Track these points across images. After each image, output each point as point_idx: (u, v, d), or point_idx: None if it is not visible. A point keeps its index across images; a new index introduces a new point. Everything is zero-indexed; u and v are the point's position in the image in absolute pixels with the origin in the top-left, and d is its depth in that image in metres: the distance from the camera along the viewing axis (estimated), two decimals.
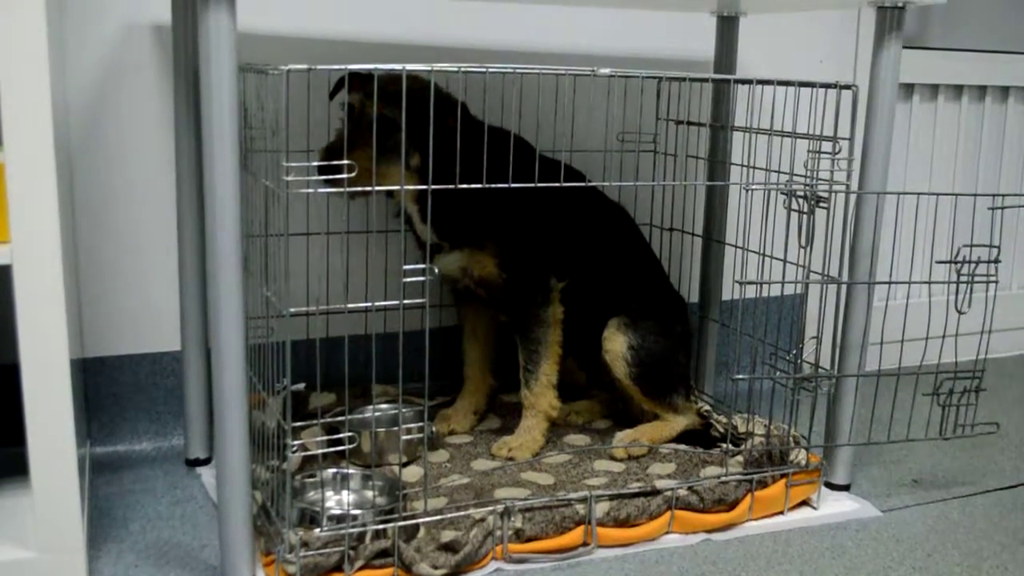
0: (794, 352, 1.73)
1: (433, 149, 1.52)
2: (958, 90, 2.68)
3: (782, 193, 1.67)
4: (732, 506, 1.68)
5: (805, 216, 1.64)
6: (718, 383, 2.22)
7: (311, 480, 1.60)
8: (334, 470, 1.64)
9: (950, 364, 1.72)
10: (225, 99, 1.28)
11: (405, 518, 1.49)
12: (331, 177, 1.44)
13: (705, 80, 1.96)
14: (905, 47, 1.73)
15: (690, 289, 2.14)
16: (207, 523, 1.63)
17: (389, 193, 1.76)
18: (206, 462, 1.86)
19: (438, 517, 1.52)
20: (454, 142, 1.57)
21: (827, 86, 1.67)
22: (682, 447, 1.83)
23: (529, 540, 1.54)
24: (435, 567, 1.44)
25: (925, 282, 1.74)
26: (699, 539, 1.64)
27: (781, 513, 1.73)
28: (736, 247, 1.84)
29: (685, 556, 1.59)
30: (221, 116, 1.28)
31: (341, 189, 1.44)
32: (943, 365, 1.72)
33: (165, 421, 1.95)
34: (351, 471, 1.64)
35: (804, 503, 1.77)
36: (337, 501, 1.61)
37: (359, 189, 1.46)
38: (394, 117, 1.58)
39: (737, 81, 1.85)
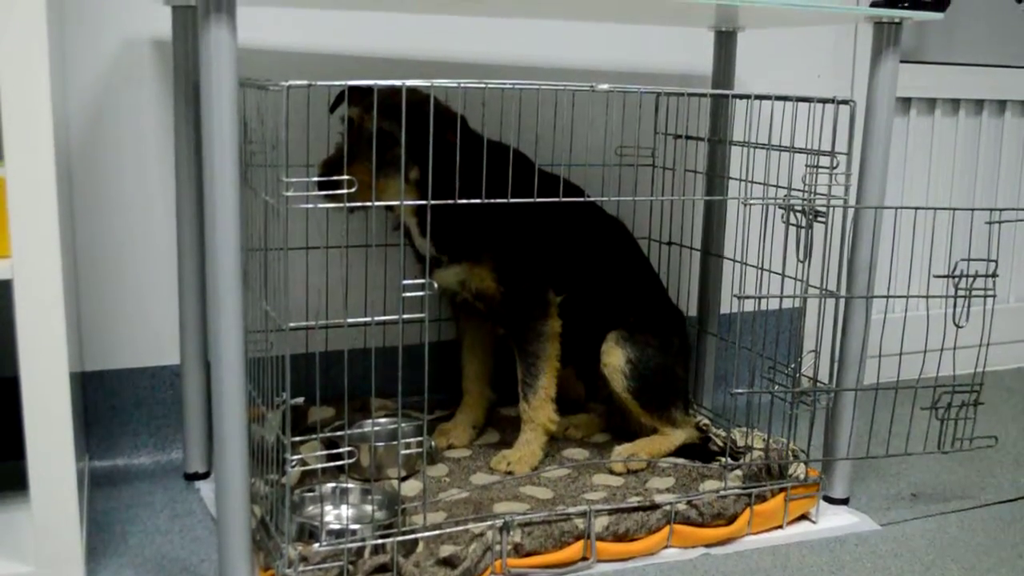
0: (792, 366, 1.73)
1: (432, 163, 1.52)
2: (955, 104, 2.69)
3: (780, 207, 1.67)
4: (731, 520, 1.68)
5: (803, 230, 1.65)
6: (717, 397, 2.22)
7: (310, 494, 1.60)
8: (333, 484, 1.64)
9: (948, 378, 1.72)
10: (225, 114, 1.28)
11: (404, 533, 1.48)
12: (331, 192, 1.45)
13: (703, 95, 1.97)
14: (902, 61, 1.74)
15: (688, 303, 2.14)
16: (206, 537, 1.63)
17: (388, 207, 1.77)
18: (205, 476, 1.86)
19: (437, 532, 1.52)
20: (453, 156, 1.57)
21: (825, 101, 1.68)
22: (681, 461, 1.83)
23: (528, 555, 1.53)
24: None
25: (923, 296, 1.74)
26: (698, 553, 1.64)
27: (780, 527, 1.73)
28: (734, 261, 1.84)
29: (684, 570, 1.58)
30: (221, 131, 1.28)
31: (341, 204, 1.44)
32: (941, 379, 1.72)
33: (164, 435, 1.95)
34: (350, 485, 1.64)
35: (803, 517, 1.77)
36: (336, 516, 1.61)
37: (359, 204, 1.46)
38: (393, 131, 1.58)
39: (735, 96, 1.85)
